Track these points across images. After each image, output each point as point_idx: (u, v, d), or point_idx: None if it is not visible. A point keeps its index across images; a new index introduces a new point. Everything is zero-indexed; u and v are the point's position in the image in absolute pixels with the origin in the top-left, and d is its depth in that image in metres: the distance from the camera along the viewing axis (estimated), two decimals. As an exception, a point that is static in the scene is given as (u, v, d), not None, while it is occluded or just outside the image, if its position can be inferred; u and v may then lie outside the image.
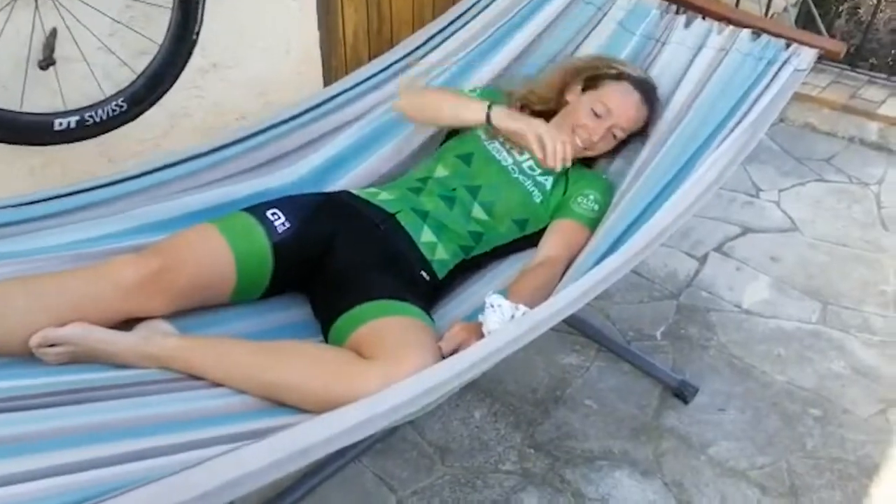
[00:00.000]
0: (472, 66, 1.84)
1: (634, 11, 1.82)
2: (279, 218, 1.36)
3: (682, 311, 2.21)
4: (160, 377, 1.14)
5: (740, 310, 2.23)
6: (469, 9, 1.91)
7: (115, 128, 1.61)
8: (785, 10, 3.73)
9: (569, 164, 1.46)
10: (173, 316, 1.25)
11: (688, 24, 1.75)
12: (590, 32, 1.85)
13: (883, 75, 3.44)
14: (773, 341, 2.10)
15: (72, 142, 1.56)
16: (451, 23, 1.88)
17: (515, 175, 1.54)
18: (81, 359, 1.13)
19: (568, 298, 1.18)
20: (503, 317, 1.20)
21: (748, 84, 1.57)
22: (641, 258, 1.31)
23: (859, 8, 5.52)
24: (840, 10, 4.04)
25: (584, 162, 1.66)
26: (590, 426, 1.82)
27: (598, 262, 1.30)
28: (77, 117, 1.55)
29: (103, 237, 1.32)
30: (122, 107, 1.60)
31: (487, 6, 1.90)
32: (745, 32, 1.64)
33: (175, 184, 1.45)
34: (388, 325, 1.21)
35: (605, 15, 1.84)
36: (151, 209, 1.39)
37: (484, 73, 1.83)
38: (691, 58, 1.69)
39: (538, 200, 1.52)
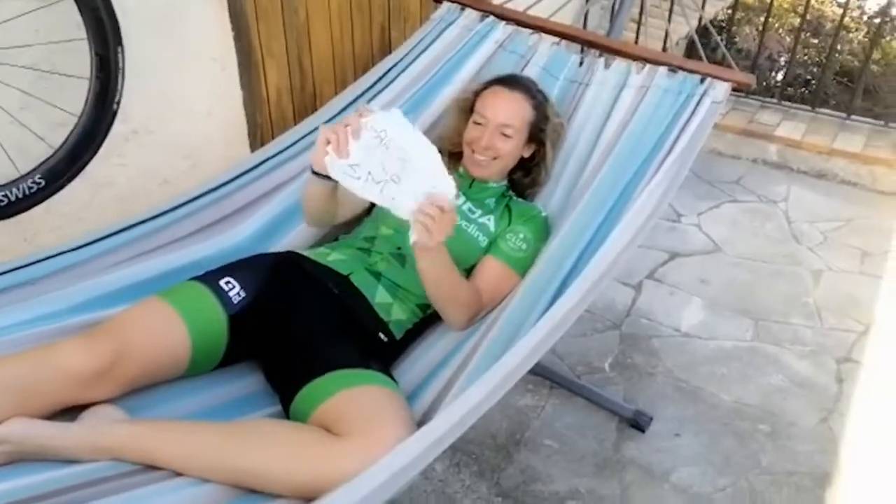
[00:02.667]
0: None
1: (556, 57, 1.87)
2: (234, 287, 1.30)
3: (626, 340, 2.25)
4: (114, 471, 1.06)
5: (680, 334, 2.29)
6: (393, 67, 1.91)
7: (33, 206, 1.50)
8: (676, 44, 3.96)
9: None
10: (120, 397, 1.17)
11: (607, 65, 1.81)
12: (516, 79, 1.89)
13: (774, 100, 3.69)
14: (714, 362, 2.17)
15: (-14, 225, 1.45)
16: (376, 82, 1.88)
17: (458, 223, 1.52)
18: (22, 457, 1.04)
19: (532, 343, 1.16)
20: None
21: (671, 116, 1.61)
22: (592, 297, 1.30)
23: (736, 38, 5.94)
24: (722, 40, 4.31)
25: (521, 194, 1.67)
26: (553, 466, 1.81)
27: (550, 303, 1.30)
28: (-10, 198, 1.44)
29: (39, 319, 1.22)
30: (39, 183, 1.49)
31: (411, 64, 1.91)
32: (663, 69, 1.71)
33: (109, 256, 1.38)
34: (355, 398, 1.16)
35: (528, 62, 1.89)
36: (89, 284, 1.31)
37: None
38: (615, 96, 1.74)
39: (484, 245, 1.51)
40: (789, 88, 5.62)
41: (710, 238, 2.81)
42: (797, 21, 5.69)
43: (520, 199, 1.65)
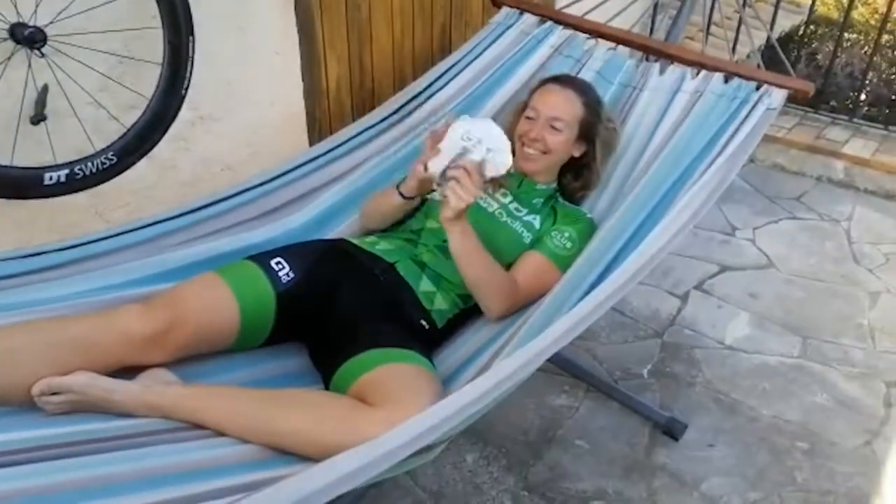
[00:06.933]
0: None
1: (611, 62, 1.89)
2: (283, 268, 1.38)
3: (667, 349, 2.24)
4: (163, 427, 1.14)
5: (723, 346, 2.26)
6: (450, 68, 1.97)
7: (105, 181, 1.61)
8: (748, 56, 3.88)
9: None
10: (174, 364, 1.26)
11: (662, 71, 1.82)
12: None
13: (844, 116, 3.58)
14: (757, 376, 2.14)
15: (62, 195, 1.56)
16: (433, 82, 1.95)
17: (503, 219, 1.57)
18: (83, 408, 1.13)
19: (559, 331, 1.19)
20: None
21: (722, 122, 1.62)
22: (623, 293, 1.31)
23: (817, 54, 5.76)
24: (800, 55, 4.22)
25: (570, 198, 1.70)
26: (582, 466, 1.82)
27: (581, 298, 1.33)
28: (67, 171, 1.55)
29: (105, 288, 1.33)
30: (111, 160, 1.61)
31: (468, 66, 1.97)
32: (718, 76, 1.71)
33: (170, 237, 1.48)
34: (392, 372, 1.22)
35: (583, 66, 1.91)
36: (151, 261, 1.41)
37: None
38: (668, 101, 1.75)
39: (528, 241, 1.55)
40: (871, 108, 5.42)
41: (763, 253, 2.75)
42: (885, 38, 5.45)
43: (566, 203, 1.68)
